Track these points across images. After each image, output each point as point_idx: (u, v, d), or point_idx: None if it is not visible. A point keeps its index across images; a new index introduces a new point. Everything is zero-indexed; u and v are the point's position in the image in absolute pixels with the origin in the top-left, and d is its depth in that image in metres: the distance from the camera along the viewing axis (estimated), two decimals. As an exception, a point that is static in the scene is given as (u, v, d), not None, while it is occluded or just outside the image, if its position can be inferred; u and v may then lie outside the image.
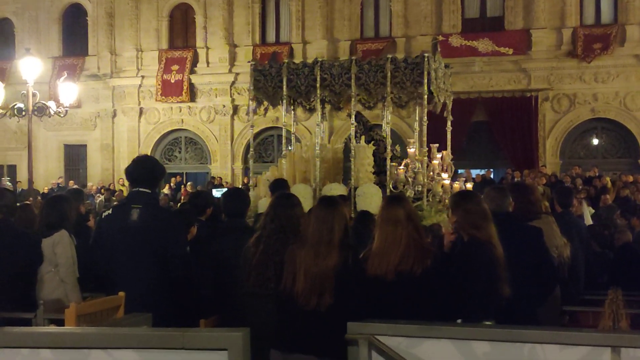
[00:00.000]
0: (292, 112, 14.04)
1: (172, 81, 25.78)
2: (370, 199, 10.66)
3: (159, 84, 25.96)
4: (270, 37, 26.41)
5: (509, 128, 23.47)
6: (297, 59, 25.04)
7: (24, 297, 5.27)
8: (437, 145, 13.21)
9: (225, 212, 6.14)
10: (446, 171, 12.83)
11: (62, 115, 17.92)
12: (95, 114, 27.33)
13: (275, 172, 12.43)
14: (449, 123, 13.68)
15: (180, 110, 26.44)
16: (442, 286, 4.42)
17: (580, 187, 18.04)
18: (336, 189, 10.68)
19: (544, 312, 5.31)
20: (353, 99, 12.06)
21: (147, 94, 26.64)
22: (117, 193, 22.06)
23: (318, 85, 12.07)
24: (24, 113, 17.14)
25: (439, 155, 12.93)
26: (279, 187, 7.63)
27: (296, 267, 4.52)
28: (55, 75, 24.11)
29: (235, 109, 25.99)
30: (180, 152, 27.37)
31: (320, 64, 12.21)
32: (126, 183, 18.71)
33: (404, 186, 11.75)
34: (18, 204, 7.15)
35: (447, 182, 12.45)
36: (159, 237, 5.29)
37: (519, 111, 23.44)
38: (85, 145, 27.78)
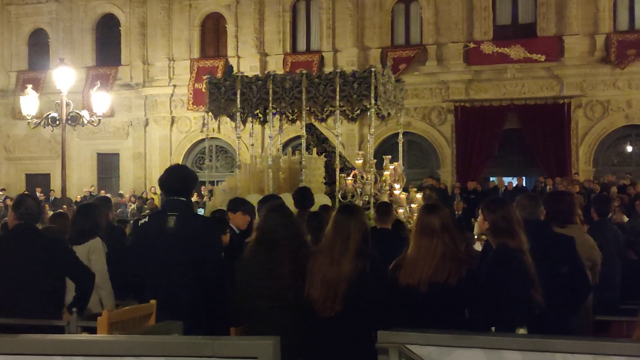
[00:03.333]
0: (248, 124, 14.25)
1: (204, 90, 25.87)
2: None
3: (191, 93, 26.12)
4: (301, 45, 26.49)
5: (541, 135, 23.26)
6: (328, 68, 25.13)
7: (54, 304, 5.31)
8: (390, 156, 13.84)
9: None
10: (398, 182, 13.24)
11: (95, 125, 18.12)
12: (128, 123, 27.57)
13: (231, 182, 12.67)
14: (400, 135, 14.35)
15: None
16: (476, 295, 4.38)
17: (615, 195, 17.82)
18: (287, 199, 10.97)
19: (576, 321, 5.25)
20: (304, 112, 12.37)
21: (179, 103, 26.83)
22: (148, 201, 22.22)
23: (270, 98, 12.40)
24: (57, 122, 17.37)
25: (391, 167, 13.37)
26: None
27: (314, 274, 4.53)
28: (89, 85, 24.34)
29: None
30: (210, 161, 27.49)
31: (272, 77, 12.59)
32: (158, 191, 18.86)
33: (352, 196, 11.98)
34: (52, 212, 7.25)
35: (397, 192, 12.87)
36: (195, 244, 5.34)
37: (552, 118, 23.22)
38: (118, 154, 28.03)
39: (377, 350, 3.80)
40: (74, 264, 5.61)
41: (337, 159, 12.29)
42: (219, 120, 13.64)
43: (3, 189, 26.85)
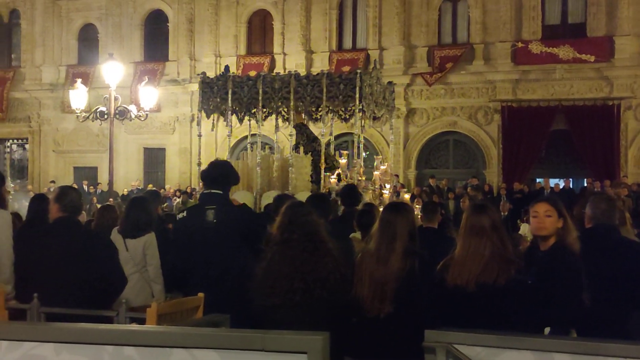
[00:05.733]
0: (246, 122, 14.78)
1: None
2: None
3: (236, 89, 26.25)
4: (347, 43, 26.47)
5: (589, 137, 22.90)
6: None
7: (100, 295, 5.36)
8: (381, 157, 14.30)
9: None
10: (388, 182, 13.52)
11: (142, 119, 18.36)
12: (174, 118, 27.83)
13: None
14: (391, 135, 14.86)
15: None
16: (527, 296, 4.32)
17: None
18: (273, 196, 11.19)
19: (636, 327, 5.17)
20: (292, 112, 12.72)
21: (225, 98, 26.99)
22: (194, 196, 22.41)
23: (260, 98, 12.71)
24: (106, 116, 17.64)
25: (382, 167, 13.60)
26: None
27: (362, 273, 4.51)
28: (137, 80, 24.64)
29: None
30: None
31: (262, 78, 12.91)
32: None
33: (336, 194, 12.06)
34: (99, 205, 7.34)
35: (386, 193, 13.05)
36: (235, 235, 5.38)
37: (600, 120, 22.84)
38: (164, 148, 28.31)
39: (424, 349, 3.79)
40: (111, 263, 5.56)
41: (322, 158, 12.57)
42: (214, 119, 14.09)
43: (52, 181, 27.35)
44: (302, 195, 11.58)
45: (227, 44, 27.26)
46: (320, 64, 24.60)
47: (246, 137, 26.90)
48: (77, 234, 5.53)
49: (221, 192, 5.65)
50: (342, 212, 8.46)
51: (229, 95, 12.94)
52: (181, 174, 27.66)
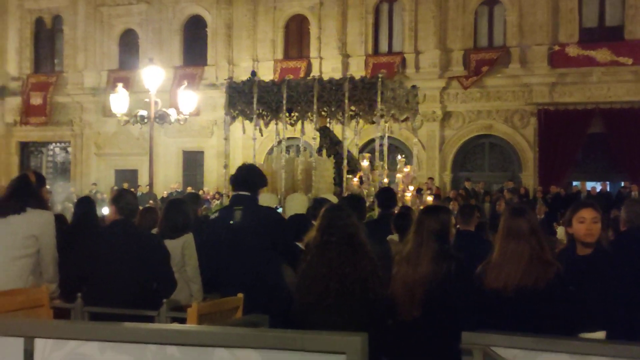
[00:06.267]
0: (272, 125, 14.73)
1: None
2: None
3: (274, 93, 26.38)
4: (383, 47, 26.47)
5: (626, 140, 22.62)
6: (410, 69, 25.09)
7: (151, 297, 5.50)
8: (404, 160, 14.35)
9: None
10: (411, 184, 13.73)
11: (182, 123, 18.56)
12: (213, 122, 27.99)
13: None
14: (415, 139, 15.02)
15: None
16: (566, 299, 4.32)
17: None
18: (297, 198, 11.48)
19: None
20: (315, 115, 12.89)
21: (262, 102, 27.13)
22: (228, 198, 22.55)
23: (284, 102, 12.94)
24: (146, 120, 17.85)
25: (405, 170, 13.77)
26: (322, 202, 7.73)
27: (397, 275, 4.54)
28: (176, 84, 24.86)
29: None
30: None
31: (287, 83, 13.13)
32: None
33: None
34: (141, 207, 7.48)
35: (409, 195, 13.13)
36: (261, 235, 5.48)
37: (638, 123, 22.50)
38: (203, 152, 28.51)
39: (460, 353, 3.82)
40: (163, 265, 5.71)
41: (345, 161, 12.73)
42: (244, 122, 14.27)
43: (94, 184, 27.76)
44: (297, 198, 11.75)
45: (264, 49, 27.41)
46: (357, 68, 24.61)
47: (288, 139, 27.19)
48: (133, 237, 5.68)
49: (249, 194, 5.78)
50: (379, 214, 8.51)
51: (255, 100, 13.06)
52: (219, 176, 27.76)
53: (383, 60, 25.24)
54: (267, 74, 26.87)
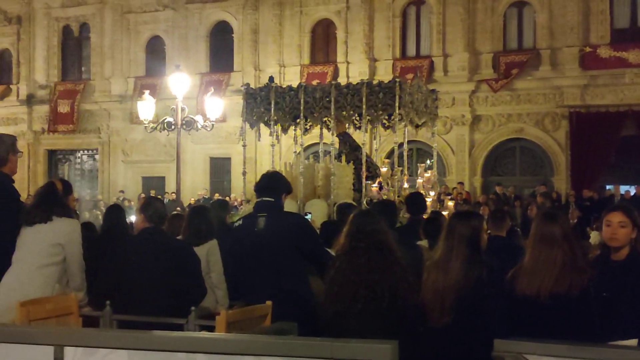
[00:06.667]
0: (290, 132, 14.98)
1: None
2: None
3: (301, 99, 26.41)
4: (411, 50, 26.38)
5: (660, 143, 22.38)
6: (438, 73, 24.98)
7: (180, 305, 5.48)
8: (424, 165, 14.44)
9: None
10: (432, 189, 13.56)
11: (208, 130, 18.59)
12: (239, 128, 28.00)
13: None
14: (434, 144, 14.69)
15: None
16: (599, 306, 4.22)
17: None
18: (316, 205, 11.43)
19: None
20: (332, 121, 12.80)
21: (288, 108, 27.17)
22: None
23: (302, 107, 12.84)
24: (173, 127, 17.93)
25: (426, 175, 13.70)
26: (349, 208, 7.71)
27: (427, 281, 4.48)
28: (203, 91, 24.98)
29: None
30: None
31: (304, 88, 13.05)
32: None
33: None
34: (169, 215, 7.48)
35: (429, 200, 12.95)
36: (286, 242, 5.44)
37: (672, 125, 22.28)
38: (230, 158, 28.59)
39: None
40: (193, 273, 5.71)
41: (364, 167, 12.65)
42: (259, 128, 14.15)
43: (122, 191, 27.96)
44: (316, 204, 11.71)
45: (290, 54, 27.44)
46: (384, 72, 24.55)
47: (311, 145, 27.25)
48: (162, 244, 5.68)
49: (273, 200, 5.75)
50: (408, 220, 8.44)
51: (272, 106, 13.11)
52: (246, 182, 27.83)
53: (411, 64, 25.12)
54: (293, 79, 26.90)
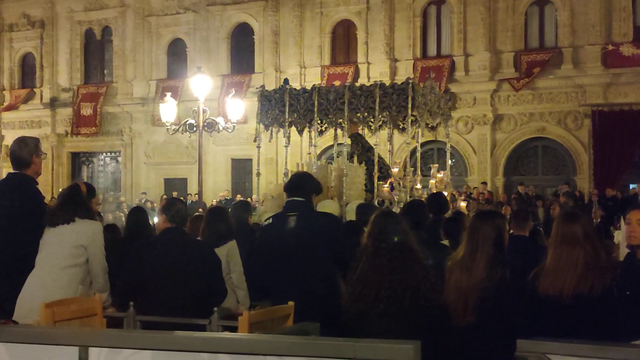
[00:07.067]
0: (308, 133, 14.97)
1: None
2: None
3: (322, 99, 26.41)
4: (432, 50, 26.29)
5: (684, 141, 22.15)
6: (459, 72, 24.89)
7: (202, 305, 5.51)
8: (437, 165, 14.38)
9: None
10: (445, 189, 13.57)
11: (230, 131, 18.67)
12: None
13: (278, 189, 13.26)
14: (448, 145, 14.88)
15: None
16: (623, 305, 4.20)
17: None
18: (328, 206, 11.25)
19: None
20: (345, 122, 12.94)
21: (310, 109, 27.17)
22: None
23: (316, 109, 12.97)
24: (195, 129, 18.02)
25: (439, 175, 13.78)
26: (367, 208, 7.71)
27: (450, 281, 4.47)
28: (224, 93, 25.03)
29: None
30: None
31: (317, 90, 13.17)
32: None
33: (390, 203, 12.20)
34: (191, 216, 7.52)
35: None
36: (317, 241, 5.45)
37: (696, 122, 22.04)
38: (251, 159, 28.60)
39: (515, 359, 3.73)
40: (215, 273, 5.74)
41: (376, 167, 12.74)
42: (272, 130, 14.31)
43: (144, 193, 28.11)
44: (354, 205, 11.71)
45: (311, 55, 27.45)
46: (405, 72, 24.47)
47: (331, 146, 27.25)
48: (185, 245, 5.71)
49: (303, 200, 5.76)
50: (430, 220, 8.42)
51: (287, 108, 13.22)
52: (267, 183, 27.85)
53: (432, 63, 25.05)
54: (314, 80, 26.89)
